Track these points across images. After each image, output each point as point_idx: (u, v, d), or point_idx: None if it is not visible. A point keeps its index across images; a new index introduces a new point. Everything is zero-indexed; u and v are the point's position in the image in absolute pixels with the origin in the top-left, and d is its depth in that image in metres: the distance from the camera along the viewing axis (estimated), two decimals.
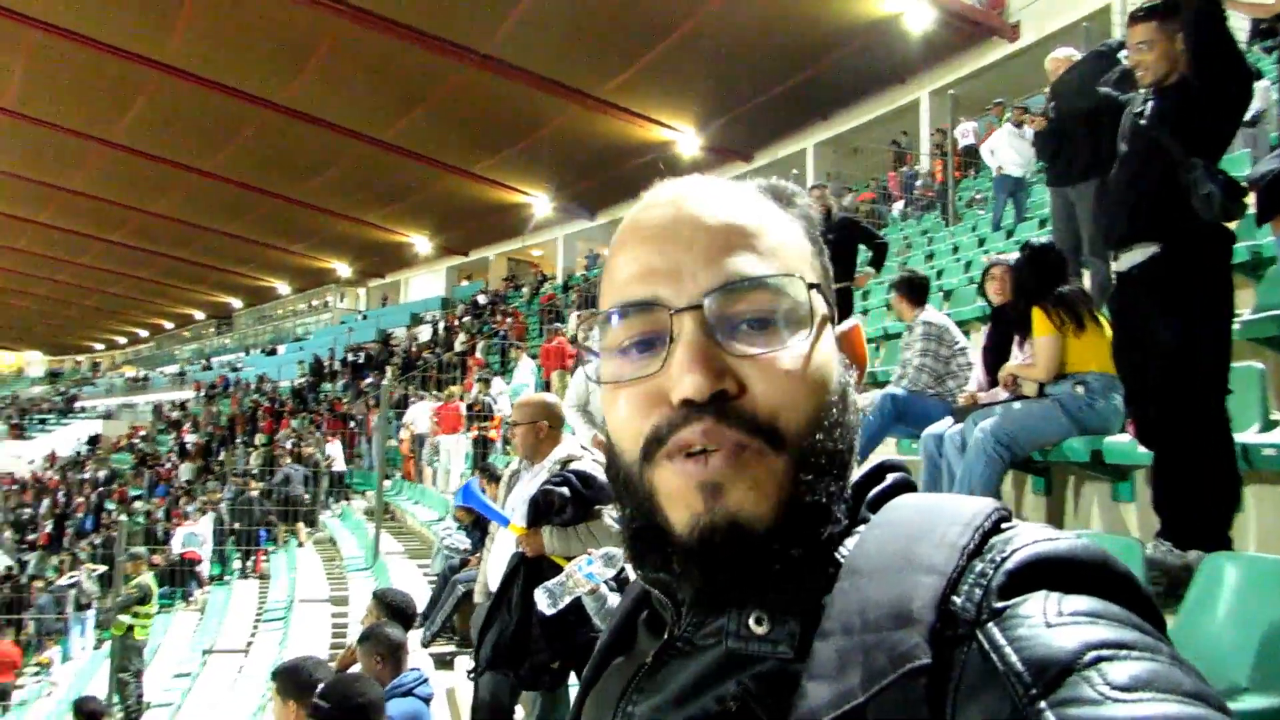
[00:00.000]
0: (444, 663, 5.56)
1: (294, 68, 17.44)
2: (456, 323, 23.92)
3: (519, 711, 3.69)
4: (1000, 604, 0.45)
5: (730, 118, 19.29)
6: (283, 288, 36.06)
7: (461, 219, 26.67)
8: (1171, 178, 2.81)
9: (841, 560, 0.54)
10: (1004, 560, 0.47)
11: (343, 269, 32.94)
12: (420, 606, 5.39)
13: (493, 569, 3.57)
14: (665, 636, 0.60)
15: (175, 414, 28.83)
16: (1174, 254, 2.85)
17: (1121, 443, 3.48)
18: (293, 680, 3.04)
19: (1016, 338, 4.01)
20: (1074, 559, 0.47)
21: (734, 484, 0.54)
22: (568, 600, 2.37)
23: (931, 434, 4.11)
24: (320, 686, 2.79)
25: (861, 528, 0.56)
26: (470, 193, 24.20)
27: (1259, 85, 5.89)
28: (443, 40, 16.21)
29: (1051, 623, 0.43)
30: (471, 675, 3.46)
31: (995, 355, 4.26)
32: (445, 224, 27.54)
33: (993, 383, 4.19)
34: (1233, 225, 2.94)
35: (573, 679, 3.44)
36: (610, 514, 3.30)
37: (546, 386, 11.59)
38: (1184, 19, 2.75)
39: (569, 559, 3.19)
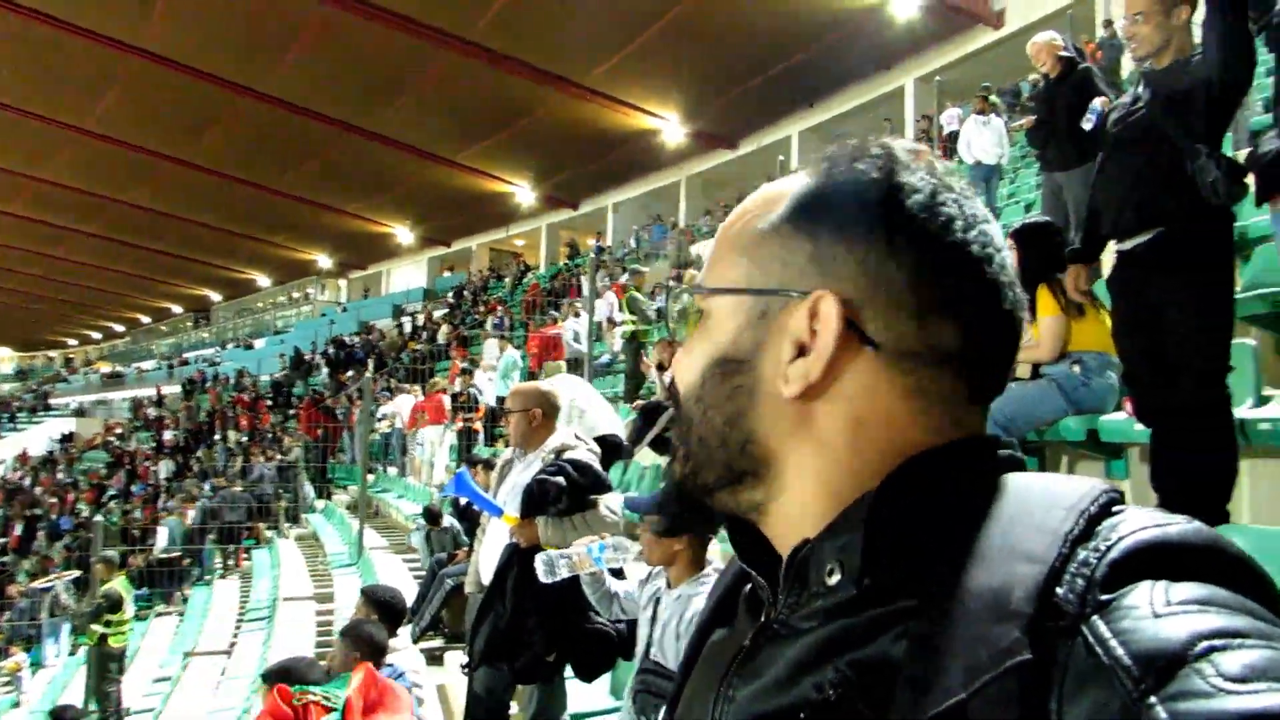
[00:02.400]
0: (434, 659, 5.46)
1: (275, 54, 17.22)
2: (430, 319, 23.71)
3: (513, 706, 3.61)
4: (1105, 596, 0.43)
5: (715, 105, 19.24)
6: (262, 280, 35.73)
7: (444, 209, 26.49)
8: (1176, 165, 2.80)
9: (941, 548, 0.50)
10: (1109, 549, 0.45)
11: (323, 260, 32.66)
12: (408, 602, 5.28)
13: (485, 561, 3.49)
14: (763, 618, 0.60)
15: (153, 410, 28.47)
16: (1181, 235, 2.84)
17: (1117, 421, 3.50)
18: (284, 680, 2.94)
19: None
20: (1184, 544, 0.45)
21: None
22: (565, 575, 2.30)
23: None
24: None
25: (961, 505, 0.52)
26: (453, 182, 24.04)
27: None
28: (426, 26, 16.05)
29: (1159, 613, 0.41)
30: (465, 669, 3.37)
31: None
32: (427, 214, 27.35)
33: None
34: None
35: (568, 671, 3.36)
36: (606, 504, 3.22)
37: (533, 377, 11.48)
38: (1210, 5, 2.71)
39: None
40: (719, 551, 2.59)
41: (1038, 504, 0.49)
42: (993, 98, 10.51)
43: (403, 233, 29.01)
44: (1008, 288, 0.57)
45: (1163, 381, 2.93)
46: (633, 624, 2.85)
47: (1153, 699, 0.39)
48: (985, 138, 9.15)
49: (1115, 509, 0.49)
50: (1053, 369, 3.72)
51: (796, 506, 0.57)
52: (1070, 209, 5.52)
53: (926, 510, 0.52)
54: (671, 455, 0.63)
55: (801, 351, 0.55)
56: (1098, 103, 4.52)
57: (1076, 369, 3.67)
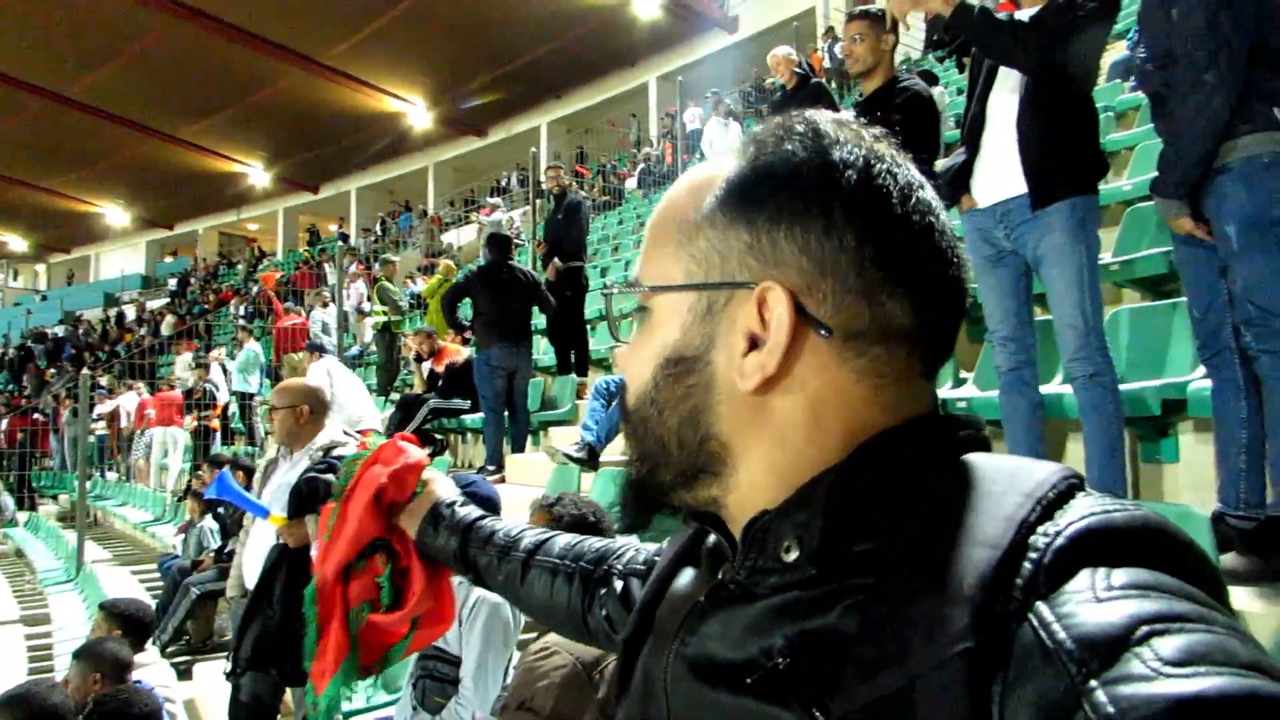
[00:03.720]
0: (183, 673, 5.12)
1: None
2: (142, 310, 21.66)
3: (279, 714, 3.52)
4: (1051, 581, 0.44)
5: (463, 92, 19.04)
6: None
7: (164, 189, 24.22)
8: None
9: (897, 527, 0.51)
10: (1056, 535, 0.45)
11: (16, 242, 28.78)
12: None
13: (249, 564, 3.38)
14: (720, 576, 0.60)
15: None
16: None
17: None
18: (22, 710, 2.70)
19: None
20: (1128, 529, 0.46)
21: None
22: None
23: None
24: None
25: (920, 486, 0.53)
26: (174, 159, 22.05)
27: (935, 90, 6.77)
28: None
29: (1101, 597, 0.42)
30: (229, 675, 3.25)
31: None
32: (144, 193, 24.87)
33: None
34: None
35: None
36: None
37: (275, 370, 10.86)
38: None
39: None
40: None
41: (998, 489, 0.49)
42: (727, 100, 11.23)
43: (114, 213, 26.21)
44: (952, 252, 0.56)
45: None
46: None
47: (1093, 682, 0.39)
48: (726, 139, 9.81)
49: (1075, 493, 0.49)
50: None
51: (757, 497, 0.56)
52: None
53: (885, 491, 0.52)
54: (627, 457, 0.62)
55: (754, 344, 0.55)
56: None
57: None
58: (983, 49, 2.72)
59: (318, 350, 6.88)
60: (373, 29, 16.00)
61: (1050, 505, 0.47)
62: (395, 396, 8.69)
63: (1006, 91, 2.73)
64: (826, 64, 12.21)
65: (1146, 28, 2.41)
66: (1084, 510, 0.46)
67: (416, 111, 20.00)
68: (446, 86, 18.81)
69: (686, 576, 0.67)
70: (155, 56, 16.82)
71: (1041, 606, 0.43)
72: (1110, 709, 0.38)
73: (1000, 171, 2.72)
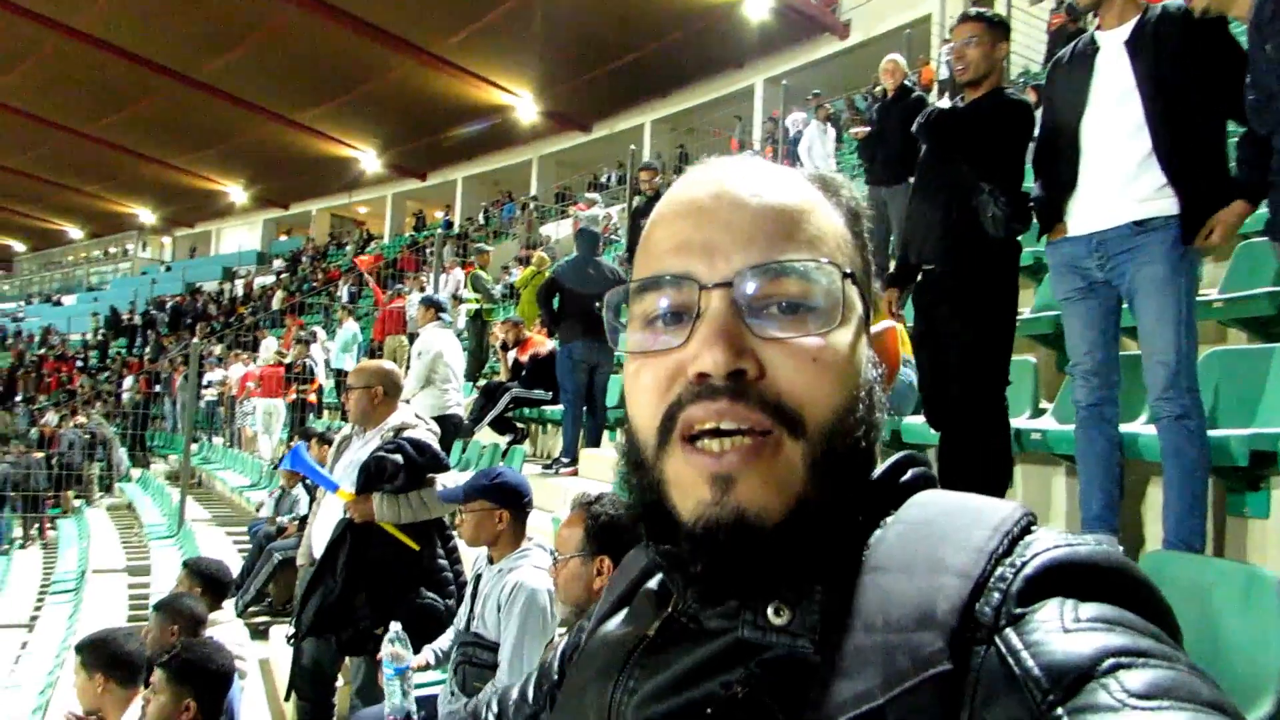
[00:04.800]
0: (259, 633, 5.37)
1: None
2: (250, 287, 22.59)
3: (339, 680, 3.65)
4: (1019, 609, 0.45)
5: (569, 87, 19.27)
6: (74, 232, 33.00)
7: (281, 170, 25.31)
8: (963, 202, 3.09)
9: (864, 555, 0.53)
10: (1024, 565, 0.47)
11: (146, 215, 30.55)
12: (234, 575, 5.17)
13: (318, 535, 3.51)
14: (670, 610, 0.60)
15: None
16: (966, 264, 3.15)
17: (916, 423, 3.78)
18: (100, 652, 2.89)
19: None
20: (1093, 564, 0.47)
21: (745, 478, 0.52)
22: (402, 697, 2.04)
23: None
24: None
25: (885, 521, 0.55)
26: (292, 143, 23.01)
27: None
28: None
29: (1068, 628, 0.43)
30: (291, 640, 3.39)
31: None
32: (263, 174, 26.05)
33: None
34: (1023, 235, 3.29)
35: None
36: (443, 483, 3.31)
37: (376, 350, 11.24)
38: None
39: (398, 526, 3.19)
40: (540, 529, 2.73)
41: (963, 523, 0.51)
42: (829, 105, 11.05)
43: (235, 191, 27.50)
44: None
45: (942, 390, 3.24)
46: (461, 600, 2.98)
47: (1060, 710, 0.40)
48: (825, 145, 9.66)
49: (1033, 528, 0.51)
50: None
51: None
52: (893, 223, 5.95)
53: (862, 524, 0.55)
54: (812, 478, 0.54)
55: None
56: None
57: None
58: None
59: (432, 305, 6.72)
60: (485, 22, 16.37)
61: (1015, 539, 0.49)
62: (482, 383, 8.89)
63: (1105, 116, 2.62)
64: (943, 75, 11.86)
65: (1254, 65, 2.29)
66: (1050, 543, 0.48)
67: (523, 104, 20.35)
68: (553, 81, 19.09)
69: (619, 617, 0.67)
70: (278, 43, 17.61)
71: (1010, 634, 0.44)
72: None
73: (1102, 199, 2.62)
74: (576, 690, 0.64)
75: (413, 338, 10.73)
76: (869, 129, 6.33)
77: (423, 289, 11.47)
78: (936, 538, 0.50)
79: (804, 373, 0.53)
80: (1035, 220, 3.00)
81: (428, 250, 16.98)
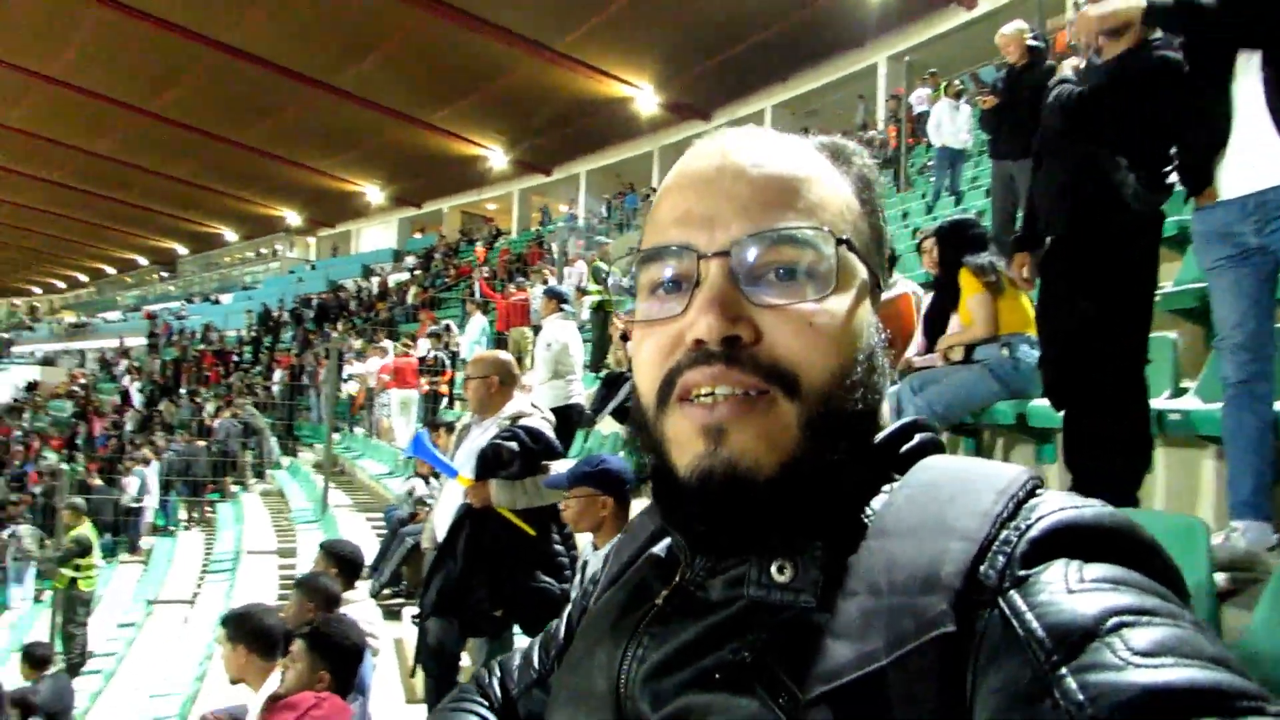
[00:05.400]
0: (392, 614, 5.64)
1: (243, 8, 16.97)
2: (384, 284, 23.53)
3: (464, 659, 3.78)
4: (1023, 571, 0.45)
5: (689, 75, 19.22)
6: (229, 234, 35.28)
7: (414, 170, 26.31)
8: (1098, 176, 2.93)
9: (868, 519, 0.54)
10: (1029, 528, 0.47)
11: (292, 217, 32.31)
12: (369, 558, 5.45)
13: (440, 519, 3.65)
14: (678, 579, 0.61)
15: (122, 361, 28.13)
16: (1102, 233, 2.97)
17: (1043, 406, 3.58)
18: (243, 625, 3.10)
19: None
20: (1098, 526, 0.47)
21: (739, 430, 0.54)
22: None
23: None
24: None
25: (889, 486, 0.56)
26: (424, 143, 23.87)
27: None
28: None
29: (1073, 589, 0.43)
30: (416, 620, 3.54)
31: (935, 322, 4.39)
32: (397, 174, 27.14)
33: (930, 348, 4.32)
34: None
35: (516, 628, 3.55)
36: (556, 470, 3.39)
37: (502, 342, 11.57)
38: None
39: (515, 511, 3.28)
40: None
41: (968, 487, 0.51)
42: (957, 81, 10.61)
43: (373, 192, 28.75)
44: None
45: (1071, 367, 3.07)
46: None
47: (1064, 670, 0.40)
48: (955, 122, 9.29)
49: (1038, 492, 0.51)
50: (985, 353, 3.84)
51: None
52: (1020, 199, 5.65)
53: (863, 487, 0.56)
54: (811, 436, 0.55)
55: None
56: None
57: (1005, 352, 3.77)
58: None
59: (555, 297, 6.83)
60: (604, 16, 16.51)
61: (1020, 503, 0.49)
62: (604, 373, 9.01)
63: (1254, 75, 2.43)
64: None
65: None
66: (1056, 505, 0.48)
67: (643, 96, 20.44)
68: (673, 70, 19.09)
69: (626, 581, 0.68)
70: (408, 49, 18.30)
71: (1014, 595, 0.44)
72: (1080, 696, 0.39)
73: (1258, 159, 2.42)
74: (585, 652, 0.64)
75: (537, 329, 11.00)
76: (996, 100, 6.00)
77: (545, 281, 11.70)
78: (941, 501, 0.51)
79: (800, 337, 0.55)
80: (1180, 186, 2.80)
81: (553, 244, 17.33)
